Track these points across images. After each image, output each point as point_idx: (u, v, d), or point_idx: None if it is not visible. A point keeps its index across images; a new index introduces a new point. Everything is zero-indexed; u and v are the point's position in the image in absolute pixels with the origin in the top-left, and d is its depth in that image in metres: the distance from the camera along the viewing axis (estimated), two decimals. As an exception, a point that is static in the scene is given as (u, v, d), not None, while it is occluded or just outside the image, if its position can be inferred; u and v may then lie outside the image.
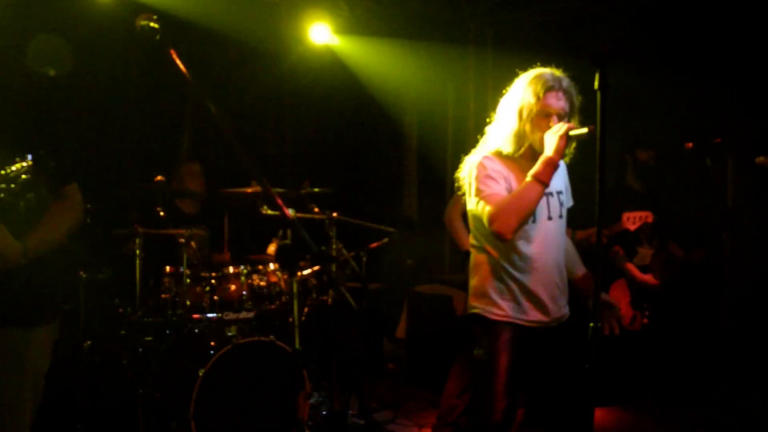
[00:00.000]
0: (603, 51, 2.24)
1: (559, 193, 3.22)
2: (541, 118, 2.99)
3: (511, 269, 3.12)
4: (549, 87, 2.99)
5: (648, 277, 5.20)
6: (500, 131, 3.11)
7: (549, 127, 2.98)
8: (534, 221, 3.09)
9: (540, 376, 3.29)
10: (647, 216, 4.74)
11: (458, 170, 3.27)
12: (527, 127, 3.01)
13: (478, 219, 3.14)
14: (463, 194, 3.30)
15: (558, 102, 3.01)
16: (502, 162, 3.08)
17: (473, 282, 3.26)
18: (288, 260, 2.18)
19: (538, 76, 3.04)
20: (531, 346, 3.16)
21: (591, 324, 2.17)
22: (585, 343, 3.22)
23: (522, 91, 3.05)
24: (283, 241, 4.29)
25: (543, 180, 2.90)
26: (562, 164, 3.26)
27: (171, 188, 5.03)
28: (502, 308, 3.13)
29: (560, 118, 3.01)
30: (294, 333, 2.16)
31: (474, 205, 3.06)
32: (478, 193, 3.00)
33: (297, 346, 2.17)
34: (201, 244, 5.15)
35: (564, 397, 3.28)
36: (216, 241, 5.34)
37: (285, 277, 4.63)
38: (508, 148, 3.07)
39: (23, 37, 4.47)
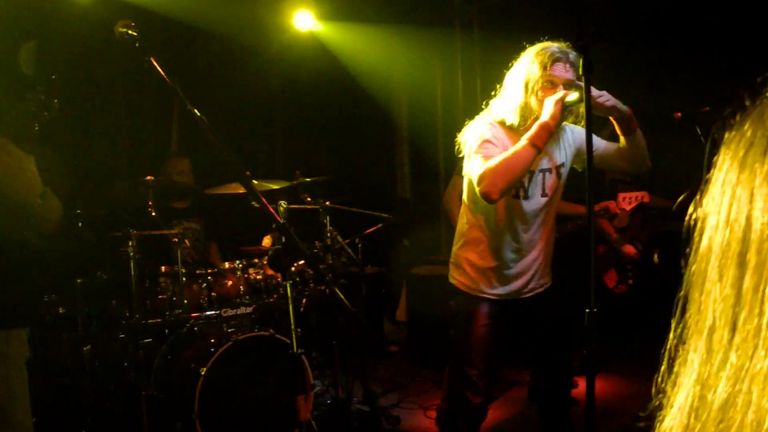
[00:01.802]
0: (587, 35, 2.21)
1: (559, 166, 3.17)
2: (548, 89, 2.93)
3: (498, 244, 3.13)
4: (556, 58, 2.93)
5: (629, 249, 5.20)
6: (506, 103, 3.04)
7: None
8: (527, 197, 3.08)
9: (519, 345, 3.35)
10: (643, 196, 4.69)
11: (460, 133, 3.20)
12: (533, 99, 2.95)
13: (471, 185, 3.10)
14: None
15: (565, 73, 2.95)
16: (505, 131, 3.04)
17: (455, 249, 3.27)
18: (281, 266, 2.17)
19: (545, 48, 2.97)
20: (508, 318, 3.20)
21: (587, 310, 2.15)
22: (563, 308, 3.29)
23: (528, 63, 2.98)
24: (275, 246, 4.29)
25: (537, 144, 2.81)
26: (565, 131, 3.20)
27: (161, 186, 4.99)
28: (477, 284, 3.17)
29: (566, 89, 2.95)
30: (292, 336, 2.14)
31: (468, 168, 3.01)
32: (474, 155, 2.94)
33: (295, 349, 2.16)
34: (194, 237, 5.15)
35: (547, 365, 3.34)
36: (210, 233, 5.33)
37: (280, 271, 4.63)
38: (513, 119, 3.01)
39: (6, 41, 4.43)
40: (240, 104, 6.92)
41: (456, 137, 3.22)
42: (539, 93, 2.93)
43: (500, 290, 3.16)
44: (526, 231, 3.13)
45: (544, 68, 2.92)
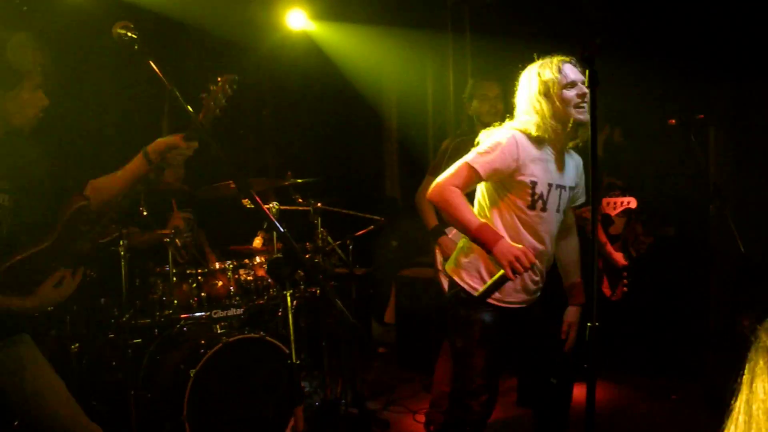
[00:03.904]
0: (592, 48, 2.19)
1: (572, 188, 3.23)
2: (568, 89, 2.98)
3: None
4: (564, 61, 3.01)
5: (619, 256, 5.18)
6: (531, 118, 3.02)
7: (577, 98, 2.96)
8: (544, 210, 3.08)
9: (519, 354, 3.43)
10: (629, 201, 4.61)
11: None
12: (558, 103, 2.97)
13: (487, 194, 3.13)
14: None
15: (577, 74, 3.01)
16: (531, 142, 3.03)
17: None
18: (280, 275, 2.14)
19: (548, 58, 3.04)
20: (508, 326, 3.20)
21: (588, 324, 2.14)
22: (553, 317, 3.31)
23: (543, 73, 3.01)
24: (275, 255, 4.25)
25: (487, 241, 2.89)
26: (579, 160, 3.28)
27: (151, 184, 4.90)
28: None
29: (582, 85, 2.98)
30: (291, 347, 2.12)
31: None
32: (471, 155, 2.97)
33: (294, 359, 2.14)
34: (189, 227, 5.02)
35: (543, 372, 3.35)
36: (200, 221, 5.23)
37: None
38: (542, 132, 3.00)
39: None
40: (230, 103, 6.86)
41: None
42: (561, 95, 2.97)
43: (509, 297, 3.17)
44: (541, 242, 3.13)
45: (559, 72, 2.97)
